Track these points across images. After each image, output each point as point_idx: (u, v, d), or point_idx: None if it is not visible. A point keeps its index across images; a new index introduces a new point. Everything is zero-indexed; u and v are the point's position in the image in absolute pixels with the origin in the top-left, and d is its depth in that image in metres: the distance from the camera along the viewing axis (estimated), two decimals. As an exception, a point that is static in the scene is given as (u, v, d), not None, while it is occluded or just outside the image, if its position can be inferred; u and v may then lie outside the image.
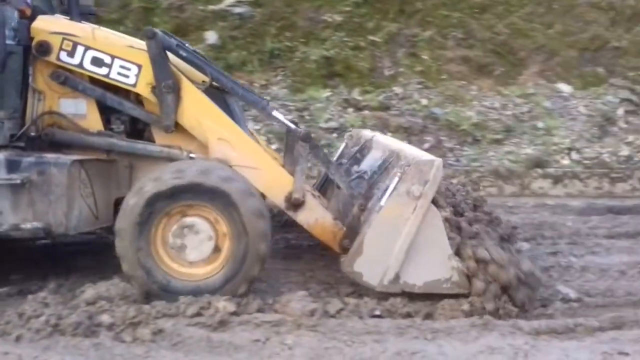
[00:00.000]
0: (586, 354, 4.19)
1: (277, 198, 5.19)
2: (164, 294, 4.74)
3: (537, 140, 10.70)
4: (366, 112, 11.01)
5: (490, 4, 12.49)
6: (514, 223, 6.42)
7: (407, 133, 10.56)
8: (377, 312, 4.74)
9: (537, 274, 5.05)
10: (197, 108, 5.22)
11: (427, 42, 12.10)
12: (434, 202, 4.79)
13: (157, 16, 12.01)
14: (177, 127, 5.23)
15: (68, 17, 5.48)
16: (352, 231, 5.04)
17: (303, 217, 5.20)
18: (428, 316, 4.72)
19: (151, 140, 5.35)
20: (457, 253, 4.79)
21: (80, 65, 5.13)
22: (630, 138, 10.75)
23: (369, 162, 5.67)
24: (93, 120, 5.24)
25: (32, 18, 5.11)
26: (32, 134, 5.06)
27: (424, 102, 11.27)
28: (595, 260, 6.37)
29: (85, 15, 5.64)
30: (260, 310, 4.68)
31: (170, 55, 5.23)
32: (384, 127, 10.30)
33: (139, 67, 5.16)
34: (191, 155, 5.20)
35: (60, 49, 5.09)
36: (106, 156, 5.24)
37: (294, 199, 5.13)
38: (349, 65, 11.71)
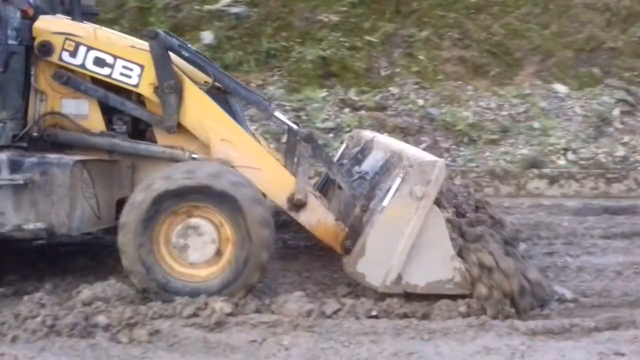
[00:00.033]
0: (582, 354, 4.20)
1: (279, 199, 5.20)
2: (161, 293, 4.74)
3: (533, 140, 10.70)
4: (363, 112, 10.99)
5: (486, 5, 12.47)
6: (517, 225, 6.42)
7: (403, 133, 10.54)
8: (374, 313, 4.74)
9: (543, 282, 5.06)
10: (199, 109, 5.22)
11: (423, 43, 12.08)
12: (436, 202, 4.79)
13: (153, 16, 11.97)
14: (179, 128, 5.23)
15: (70, 17, 5.47)
16: (354, 232, 5.05)
17: (305, 218, 5.21)
18: (425, 317, 4.73)
19: (153, 140, 5.35)
20: (461, 255, 4.79)
21: (83, 65, 5.12)
22: (626, 138, 10.76)
23: (370, 163, 5.67)
24: (95, 121, 5.23)
25: (34, 18, 5.09)
26: (34, 134, 5.05)
27: (421, 102, 11.25)
28: (591, 260, 6.37)
29: (87, 15, 5.64)
30: (256, 311, 4.68)
31: (172, 55, 5.22)
32: (380, 127, 10.28)
33: (142, 67, 5.15)
34: (193, 155, 5.20)
35: (63, 49, 5.09)
36: (108, 157, 5.23)
37: (296, 200, 5.13)
38: (345, 66, 11.69)
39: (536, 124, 11.00)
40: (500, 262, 4.72)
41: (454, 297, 4.78)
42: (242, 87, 5.63)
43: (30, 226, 4.78)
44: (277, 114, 5.50)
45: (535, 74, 11.91)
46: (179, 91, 5.14)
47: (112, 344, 4.24)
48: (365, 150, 6.01)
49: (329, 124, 10.76)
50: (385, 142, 5.83)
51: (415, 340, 4.37)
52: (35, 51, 5.06)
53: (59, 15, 5.52)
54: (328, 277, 5.58)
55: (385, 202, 4.78)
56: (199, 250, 4.83)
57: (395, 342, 4.31)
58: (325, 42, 11.91)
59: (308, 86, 11.43)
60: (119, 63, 5.15)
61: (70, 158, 4.86)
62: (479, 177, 9.80)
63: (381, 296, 4.83)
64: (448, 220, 4.84)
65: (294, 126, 5.54)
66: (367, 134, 6.51)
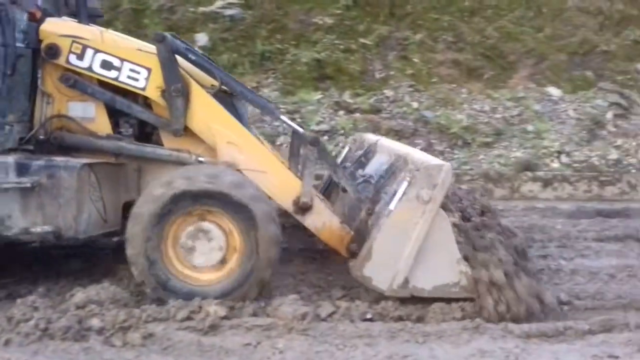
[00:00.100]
0: (576, 357, 4.24)
1: (285, 202, 5.21)
2: (158, 289, 4.77)
3: (527, 143, 10.74)
4: (357, 114, 10.99)
5: (480, 8, 12.52)
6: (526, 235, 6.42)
7: (398, 136, 10.53)
8: (369, 316, 4.77)
9: (558, 308, 5.03)
10: (206, 112, 5.23)
11: (417, 45, 12.11)
12: (443, 206, 4.82)
13: (147, 18, 11.95)
14: (186, 131, 5.23)
15: (76, 20, 5.46)
16: (360, 235, 5.07)
17: (311, 221, 5.22)
18: (420, 319, 4.75)
19: (159, 143, 5.35)
20: (468, 260, 4.81)
21: (90, 68, 5.13)
22: (619, 141, 10.81)
23: (375, 166, 5.68)
24: (102, 124, 5.24)
25: (41, 21, 5.09)
26: (41, 137, 5.06)
27: (415, 105, 11.27)
28: (585, 263, 6.40)
29: (92, 17, 5.63)
30: (251, 314, 4.69)
31: (179, 58, 5.22)
32: (375, 130, 10.23)
33: (149, 70, 5.16)
34: (200, 159, 5.21)
35: (70, 51, 5.08)
36: (115, 159, 5.23)
37: (302, 203, 5.15)
38: (339, 68, 11.70)
39: (530, 127, 11.04)
40: (516, 286, 4.72)
41: (449, 301, 4.80)
42: (248, 90, 5.65)
43: (38, 229, 4.78)
44: (283, 117, 5.54)
45: (529, 77, 11.96)
46: (185, 94, 5.15)
47: (106, 348, 4.24)
48: (368, 153, 6.03)
49: (324, 127, 10.76)
50: (390, 146, 5.85)
51: (410, 343, 4.39)
52: (42, 54, 5.06)
53: (65, 18, 5.52)
54: (323, 280, 5.60)
55: (391, 206, 4.79)
56: (205, 254, 4.87)
57: (390, 345, 4.33)
58: (319, 44, 11.92)
59: (302, 89, 11.43)
60: (126, 66, 5.15)
61: (77, 161, 4.86)
62: (472, 180, 9.80)
63: (376, 299, 4.86)
64: (455, 225, 4.85)
65: (300, 129, 5.55)
66: (371, 137, 6.52)
